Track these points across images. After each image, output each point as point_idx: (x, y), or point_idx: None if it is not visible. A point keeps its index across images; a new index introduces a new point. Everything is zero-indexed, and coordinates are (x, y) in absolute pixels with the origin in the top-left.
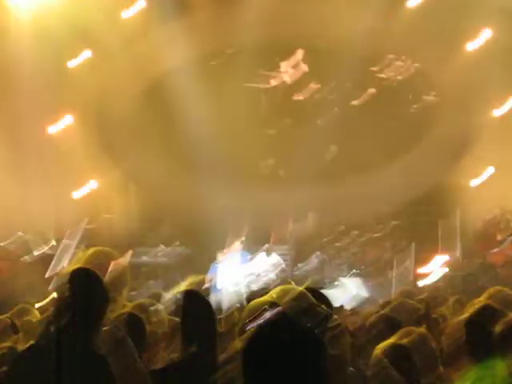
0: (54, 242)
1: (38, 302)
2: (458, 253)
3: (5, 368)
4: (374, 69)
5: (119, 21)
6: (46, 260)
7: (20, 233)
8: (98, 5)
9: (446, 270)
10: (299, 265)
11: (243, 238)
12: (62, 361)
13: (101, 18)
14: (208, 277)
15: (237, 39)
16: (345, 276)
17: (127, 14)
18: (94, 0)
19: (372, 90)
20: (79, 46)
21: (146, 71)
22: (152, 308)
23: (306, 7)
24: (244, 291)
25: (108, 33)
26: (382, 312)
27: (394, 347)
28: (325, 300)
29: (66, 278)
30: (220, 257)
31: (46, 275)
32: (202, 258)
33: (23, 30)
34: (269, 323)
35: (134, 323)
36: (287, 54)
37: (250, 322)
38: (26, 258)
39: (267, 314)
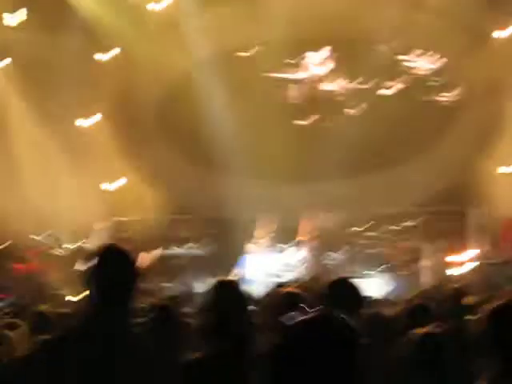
0: (83, 240)
1: (72, 295)
2: (486, 246)
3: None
4: (403, 59)
5: (146, 15)
6: (78, 254)
7: (50, 230)
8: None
9: (477, 263)
10: (327, 258)
11: (272, 232)
12: (97, 341)
13: (128, 13)
14: (235, 271)
15: (263, 33)
16: (373, 269)
17: (154, 7)
18: None
19: (400, 82)
20: (108, 41)
21: (173, 66)
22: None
23: (334, 1)
24: (272, 283)
25: (135, 27)
26: (416, 301)
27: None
28: (357, 290)
29: (95, 254)
30: (248, 249)
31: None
32: (229, 255)
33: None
34: (312, 320)
35: (167, 315)
36: (314, 48)
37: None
38: (60, 251)
39: (304, 311)
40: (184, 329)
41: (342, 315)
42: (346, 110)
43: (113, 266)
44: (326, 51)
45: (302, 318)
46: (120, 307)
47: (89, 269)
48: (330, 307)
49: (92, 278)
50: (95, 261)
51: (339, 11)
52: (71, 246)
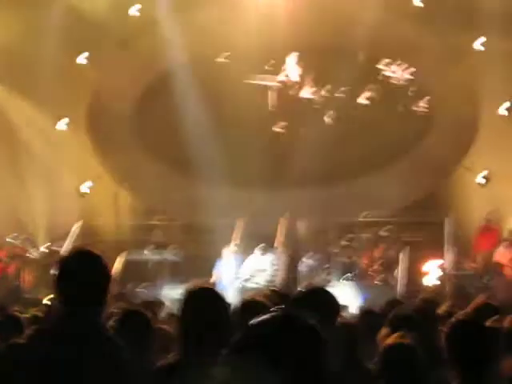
0: (48, 244)
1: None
2: (459, 255)
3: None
4: (378, 68)
5: (122, 19)
6: (52, 257)
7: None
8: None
9: (441, 272)
10: (300, 265)
11: (246, 238)
12: (69, 341)
13: (106, 16)
14: (214, 273)
15: (238, 39)
16: (346, 278)
17: (132, 11)
18: None
19: (375, 91)
20: (84, 43)
21: (147, 70)
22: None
23: (307, 10)
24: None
25: (113, 30)
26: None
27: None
28: (333, 298)
29: (67, 258)
30: (223, 254)
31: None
32: (203, 260)
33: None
34: (273, 318)
35: (137, 320)
36: (286, 55)
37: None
38: (34, 253)
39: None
40: (157, 334)
41: (304, 316)
42: (322, 118)
43: (85, 268)
44: (297, 57)
45: (264, 316)
46: (92, 308)
47: (61, 270)
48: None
49: (64, 280)
50: (68, 262)
51: (316, 19)
52: (45, 249)
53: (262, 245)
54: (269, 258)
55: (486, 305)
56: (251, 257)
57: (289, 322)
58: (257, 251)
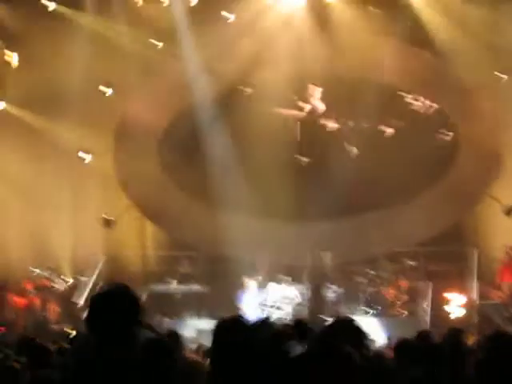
0: (70, 279)
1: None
2: (486, 286)
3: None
4: (403, 99)
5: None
6: (77, 288)
7: (49, 263)
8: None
9: (476, 303)
10: (326, 296)
11: (262, 273)
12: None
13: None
14: (240, 306)
15: (264, 71)
16: (372, 308)
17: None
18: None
19: (400, 121)
20: (108, 72)
21: (173, 101)
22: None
23: (332, 42)
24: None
25: (136, 63)
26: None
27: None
28: (361, 330)
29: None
30: (247, 286)
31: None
32: (228, 292)
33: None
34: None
35: (165, 350)
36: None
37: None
38: (59, 284)
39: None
40: (182, 363)
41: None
42: (347, 149)
43: (116, 304)
44: (321, 93)
45: (306, 349)
46: (123, 343)
47: (93, 307)
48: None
49: (96, 316)
50: (98, 300)
51: (341, 50)
52: (70, 280)
53: (280, 276)
54: (295, 288)
55: None
56: (277, 285)
57: (328, 350)
58: (283, 280)
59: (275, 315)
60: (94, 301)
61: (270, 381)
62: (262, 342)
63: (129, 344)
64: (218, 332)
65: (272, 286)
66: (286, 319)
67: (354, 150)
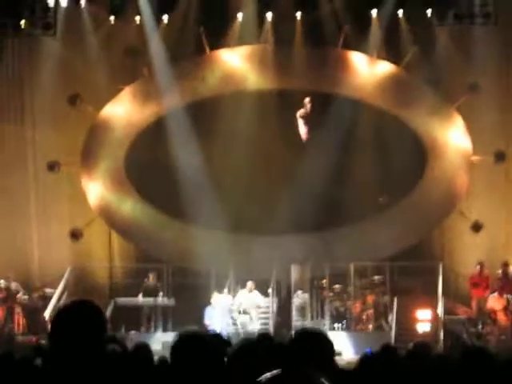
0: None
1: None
2: (453, 301)
3: None
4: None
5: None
6: (44, 300)
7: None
8: None
9: (429, 326)
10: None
11: (229, 286)
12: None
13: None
14: (206, 321)
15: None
16: (339, 323)
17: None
18: None
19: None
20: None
21: (144, 112)
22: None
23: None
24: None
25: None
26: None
27: None
28: (329, 343)
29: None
30: (215, 299)
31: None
32: (196, 305)
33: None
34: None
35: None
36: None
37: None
38: (25, 297)
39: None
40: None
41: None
42: (317, 160)
43: (81, 321)
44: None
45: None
46: (90, 360)
47: (55, 324)
48: (296, 360)
49: (58, 335)
50: (62, 316)
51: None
52: (36, 292)
53: (249, 282)
54: (262, 296)
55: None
56: (245, 291)
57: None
58: (248, 286)
59: (241, 320)
60: (57, 318)
61: None
62: (220, 359)
63: (93, 359)
64: (175, 347)
65: (241, 292)
66: (250, 323)
67: (323, 163)
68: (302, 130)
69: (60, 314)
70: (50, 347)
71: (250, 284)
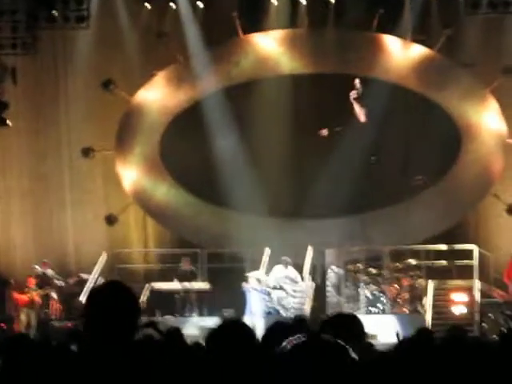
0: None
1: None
2: (489, 284)
3: None
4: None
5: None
6: (79, 285)
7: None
8: None
9: (465, 308)
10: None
11: (265, 269)
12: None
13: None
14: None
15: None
16: (375, 306)
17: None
18: None
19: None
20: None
21: (180, 97)
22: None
23: None
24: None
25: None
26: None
27: None
28: (360, 325)
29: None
30: (251, 283)
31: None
32: (221, 293)
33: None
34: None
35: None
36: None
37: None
38: (61, 282)
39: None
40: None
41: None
42: (350, 147)
43: (113, 303)
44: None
45: (292, 343)
46: (122, 345)
47: (90, 304)
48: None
49: (93, 315)
50: (96, 297)
51: None
52: (72, 278)
53: (283, 257)
54: (295, 271)
55: None
56: (279, 266)
57: (319, 344)
58: (284, 261)
59: (277, 295)
60: (89, 299)
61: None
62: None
63: (126, 343)
64: (211, 335)
65: (277, 267)
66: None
67: (359, 147)
68: (359, 111)
69: (93, 295)
70: (84, 328)
71: (285, 259)
